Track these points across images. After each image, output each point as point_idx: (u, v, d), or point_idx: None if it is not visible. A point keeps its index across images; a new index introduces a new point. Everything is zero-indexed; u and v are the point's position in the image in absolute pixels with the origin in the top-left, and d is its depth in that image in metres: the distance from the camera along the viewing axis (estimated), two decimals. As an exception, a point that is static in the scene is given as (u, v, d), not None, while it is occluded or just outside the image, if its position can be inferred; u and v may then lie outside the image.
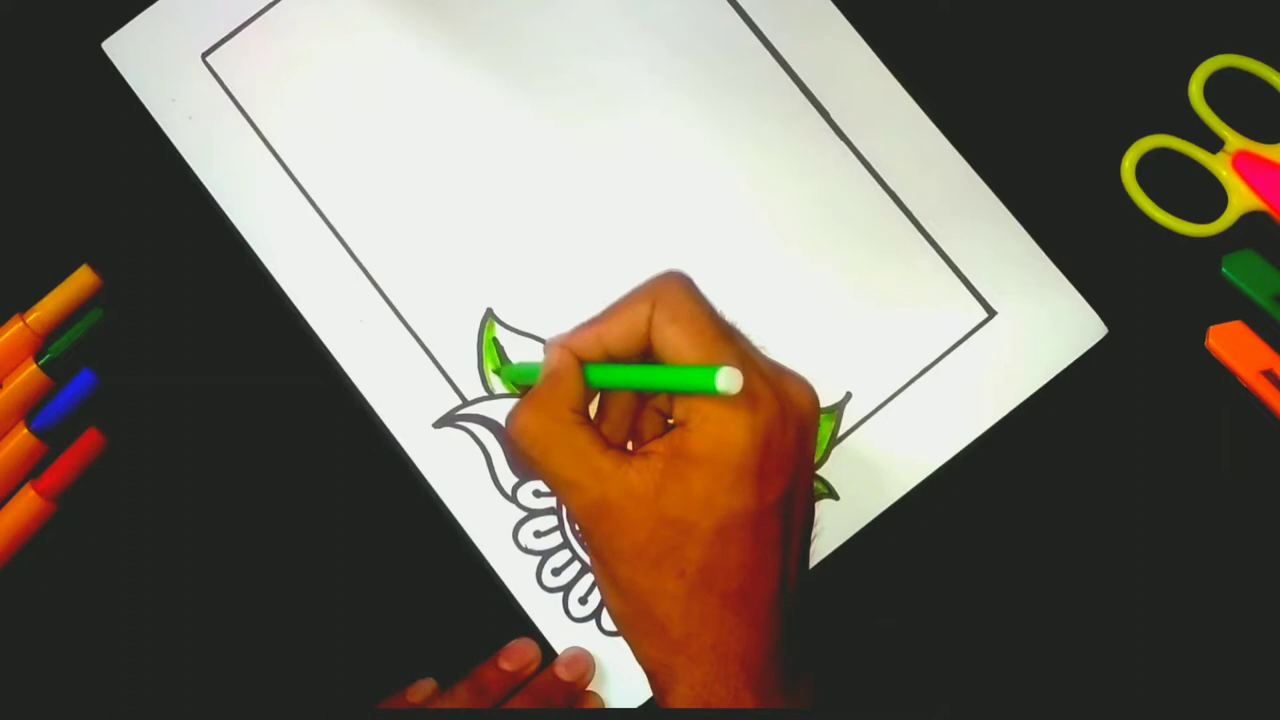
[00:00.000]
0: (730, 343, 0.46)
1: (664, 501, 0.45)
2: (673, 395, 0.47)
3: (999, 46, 0.56)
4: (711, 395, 0.43)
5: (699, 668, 0.46)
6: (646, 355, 0.48)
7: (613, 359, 0.48)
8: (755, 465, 0.45)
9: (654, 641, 0.47)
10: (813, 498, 0.50)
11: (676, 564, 0.46)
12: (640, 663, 0.48)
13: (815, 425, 0.49)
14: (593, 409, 0.50)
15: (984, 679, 0.53)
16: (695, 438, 0.45)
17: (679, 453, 0.45)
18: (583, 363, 0.48)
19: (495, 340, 0.55)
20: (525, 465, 0.53)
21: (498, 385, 0.55)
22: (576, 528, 0.54)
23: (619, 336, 0.48)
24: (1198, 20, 0.56)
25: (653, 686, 0.48)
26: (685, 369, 0.46)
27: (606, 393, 0.50)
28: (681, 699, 0.46)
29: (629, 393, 0.50)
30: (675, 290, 0.47)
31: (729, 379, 0.42)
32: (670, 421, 0.49)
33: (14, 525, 0.54)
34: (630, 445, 0.51)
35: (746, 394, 0.44)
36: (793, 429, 0.47)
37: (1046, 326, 0.54)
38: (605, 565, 0.47)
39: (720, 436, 0.45)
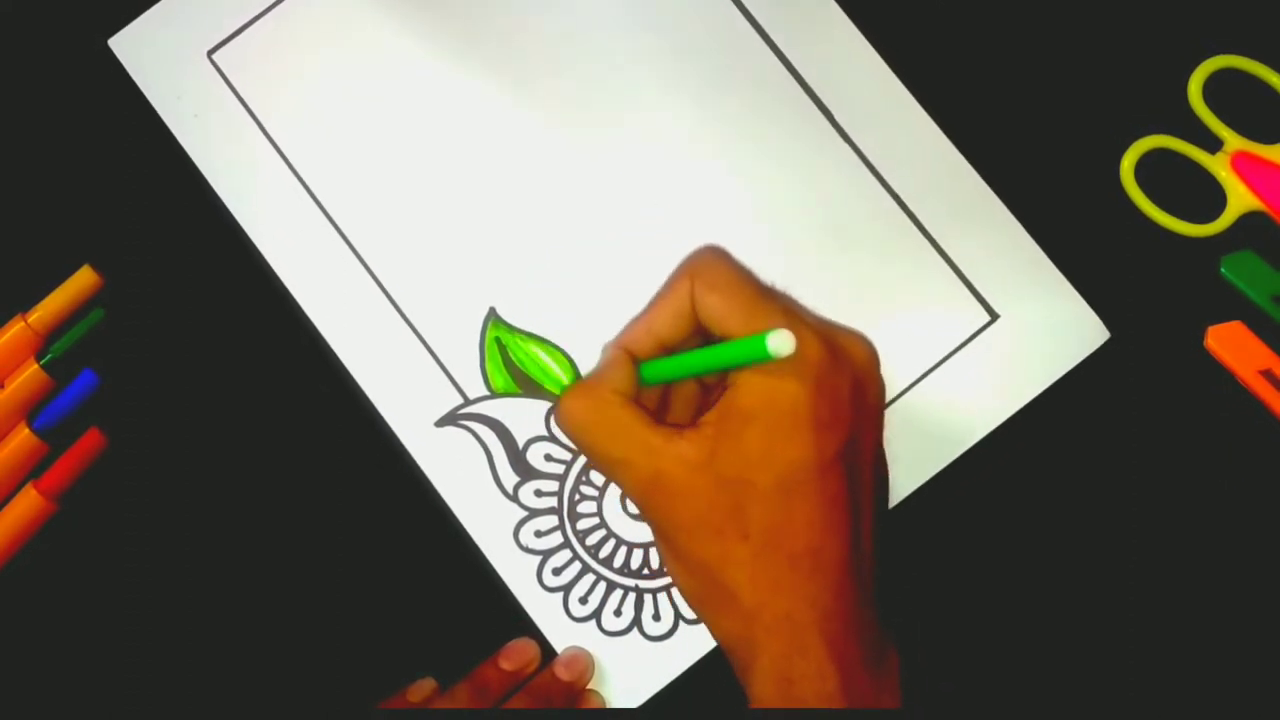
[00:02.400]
0: (772, 300, 0.46)
1: (720, 464, 0.44)
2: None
3: (998, 46, 0.56)
4: (767, 362, 0.43)
5: (776, 639, 0.45)
6: (702, 336, 0.48)
7: (668, 348, 0.48)
8: (810, 414, 0.44)
9: (728, 614, 0.46)
10: (883, 457, 0.49)
11: (740, 527, 0.44)
12: (720, 642, 0.47)
13: (874, 377, 0.48)
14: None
15: (986, 680, 0.53)
16: (744, 394, 0.45)
17: (730, 413, 0.45)
18: (636, 359, 0.48)
19: (498, 340, 0.55)
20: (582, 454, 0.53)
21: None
22: (633, 508, 0.53)
23: (667, 321, 0.48)
24: (1197, 20, 0.56)
25: (735, 667, 0.47)
26: (734, 343, 0.45)
27: (669, 385, 0.50)
28: (763, 675, 0.45)
29: (690, 380, 0.50)
30: (710, 261, 0.48)
31: (780, 341, 0.42)
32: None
33: (15, 525, 0.54)
34: None
35: (802, 343, 0.44)
36: (847, 376, 0.46)
37: (1049, 330, 0.54)
38: (668, 541, 0.47)
39: (770, 388, 0.44)
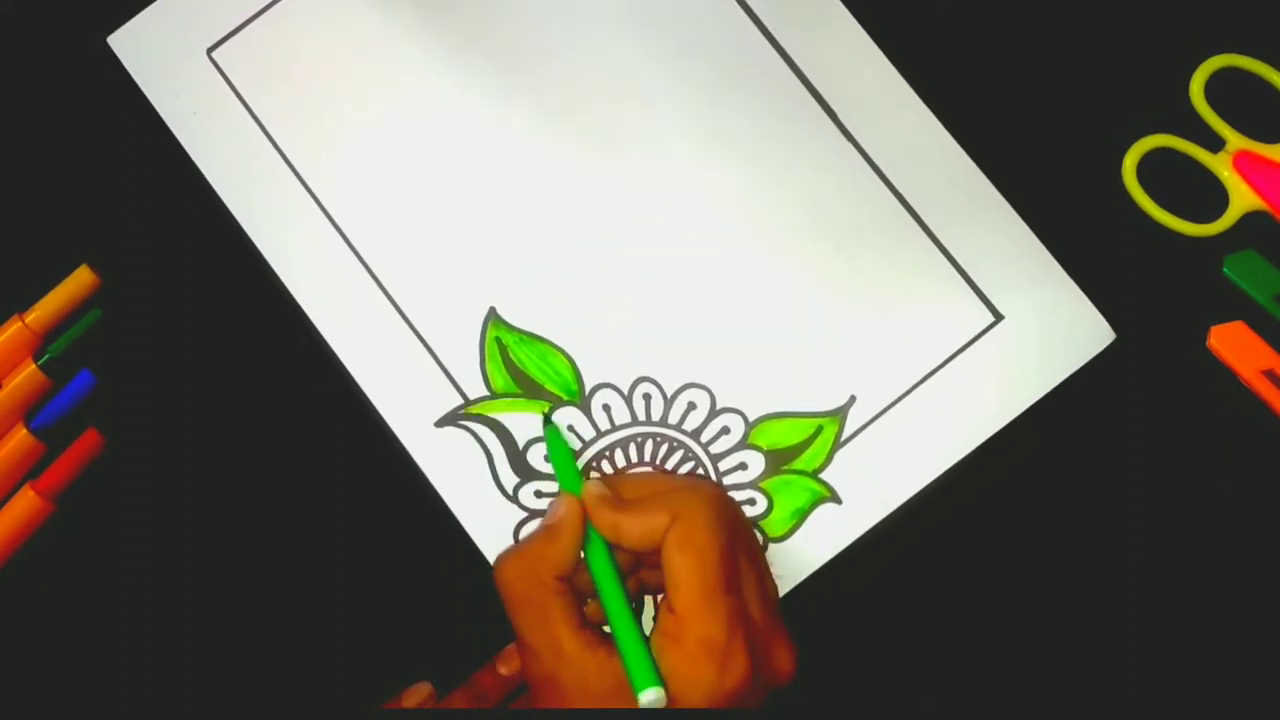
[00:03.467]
0: (727, 597, 0.46)
1: (618, 699, 0.45)
2: (663, 601, 0.47)
3: (1002, 45, 0.57)
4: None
5: None
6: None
7: (621, 549, 0.49)
8: (718, 705, 0.45)
9: None
10: None
11: None
12: None
13: (785, 685, 0.49)
14: None
15: (988, 681, 0.53)
16: (665, 670, 0.45)
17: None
18: (583, 531, 0.49)
19: (498, 339, 0.55)
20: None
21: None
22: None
23: (634, 537, 0.48)
24: (1198, 20, 0.56)
25: None
26: (634, 656, 0.46)
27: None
28: None
29: (628, 555, 0.50)
30: (697, 513, 0.47)
31: (649, 702, 0.44)
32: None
33: (13, 525, 0.54)
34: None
35: (720, 661, 0.45)
36: (762, 696, 0.47)
37: (1054, 332, 0.54)
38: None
39: (685, 686, 0.45)
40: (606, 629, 0.48)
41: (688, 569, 0.46)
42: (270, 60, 0.57)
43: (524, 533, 0.54)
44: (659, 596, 0.52)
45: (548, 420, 0.54)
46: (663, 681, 0.45)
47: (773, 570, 0.51)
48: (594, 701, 0.46)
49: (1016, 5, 0.57)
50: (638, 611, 0.52)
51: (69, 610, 0.54)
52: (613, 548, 0.49)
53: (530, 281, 0.55)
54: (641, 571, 0.51)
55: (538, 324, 0.55)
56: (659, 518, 0.47)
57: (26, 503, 0.54)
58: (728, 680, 0.45)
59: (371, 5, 0.57)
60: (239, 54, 0.57)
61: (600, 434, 0.54)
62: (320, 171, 0.56)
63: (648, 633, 0.47)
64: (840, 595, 0.53)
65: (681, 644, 0.46)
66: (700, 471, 0.54)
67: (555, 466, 0.53)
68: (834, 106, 0.56)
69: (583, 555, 0.49)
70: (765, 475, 0.54)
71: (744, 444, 0.54)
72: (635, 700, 0.45)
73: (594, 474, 0.54)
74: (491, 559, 0.54)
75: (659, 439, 0.54)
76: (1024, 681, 0.53)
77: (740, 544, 0.48)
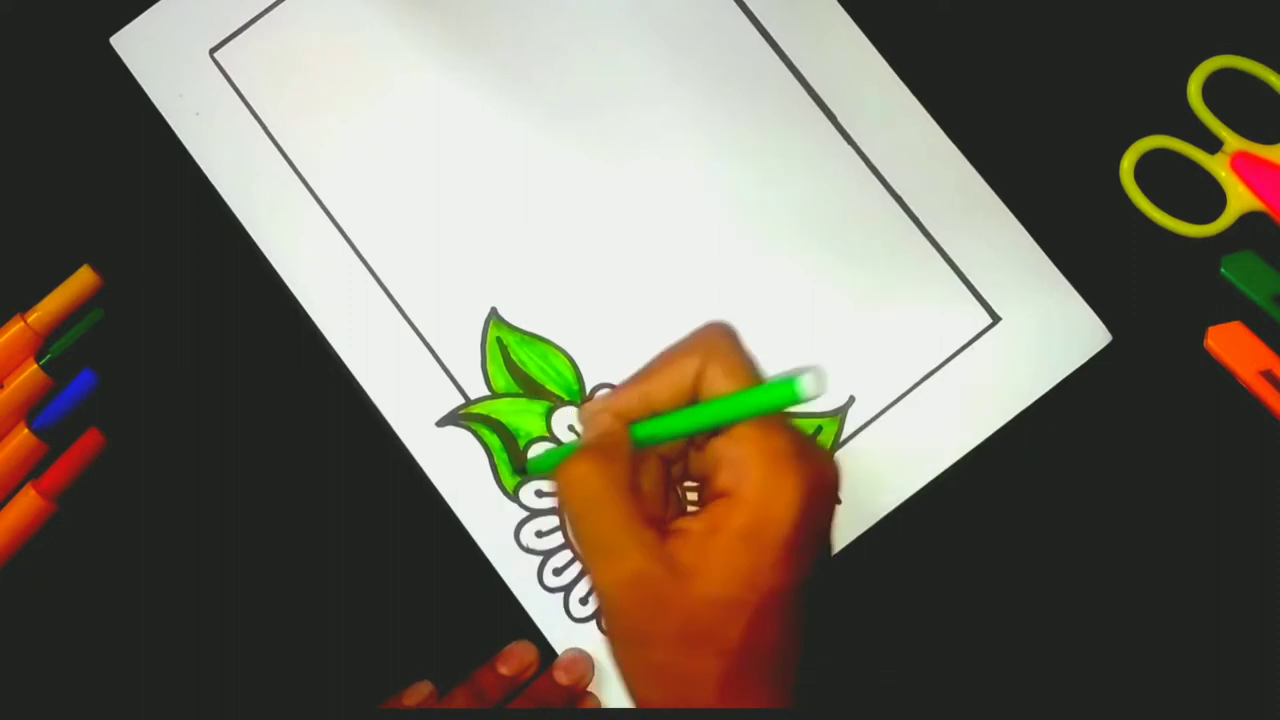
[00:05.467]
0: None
1: (708, 578, 0.43)
2: (713, 468, 0.45)
3: (999, 47, 0.57)
4: (774, 420, 0.42)
5: None
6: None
7: (655, 412, 0.46)
8: (798, 540, 0.43)
9: None
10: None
11: (717, 643, 0.43)
12: None
13: (836, 498, 0.47)
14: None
15: (988, 682, 0.53)
16: (741, 512, 0.43)
17: (721, 527, 0.43)
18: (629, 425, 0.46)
19: (499, 339, 0.55)
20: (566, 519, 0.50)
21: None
22: (599, 610, 0.51)
23: (665, 393, 0.46)
24: (1197, 20, 0.56)
25: None
26: (764, 387, 0.43)
27: (638, 466, 0.47)
28: None
29: (659, 467, 0.48)
30: (726, 345, 0.46)
31: (814, 382, 0.41)
32: (693, 502, 0.47)
33: (14, 525, 0.54)
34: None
35: (796, 467, 0.43)
36: (831, 499, 0.45)
37: (1051, 333, 0.55)
38: (638, 649, 0.45)
39: (767, 510, 0.43)
40: None
41: (742, 389, 0.44)
42: (273, 61, 0.57)
43: (525, 532, 0.54)
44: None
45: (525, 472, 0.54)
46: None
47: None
48: (689, 584, 0.43)
49: (1014, 8, 0.57)
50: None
51: (70, 610, 0.54)
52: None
53: (531, 282, 0.55)
54: (690, 454, 0.49)
55: (539, 324, 0.55)
56: (686, 361, 0.45)
57: (28, 502, 0.54)
58: (808, 484, 0.43)
59: (374, 7, 0.57)
60: (241, 55, 0.57)
61: (600, 434, 0.54)
62: (322, 172, 0.56)
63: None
64: (839, 595, 0.53)
65: (758, 462, 0.43)
66: (700, 471, 0.54)
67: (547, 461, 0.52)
68: (834, 109, 0.56)
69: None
70: (765, 475, 0.54)
71: (744, 444, 0.54)
72: (798, 394, 0.41)
73: None
74: (492, 558, 0.54)
75: (659, 439, 0.55)
76: (1023, 681, 0.53)
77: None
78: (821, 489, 0.44)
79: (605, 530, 0.44)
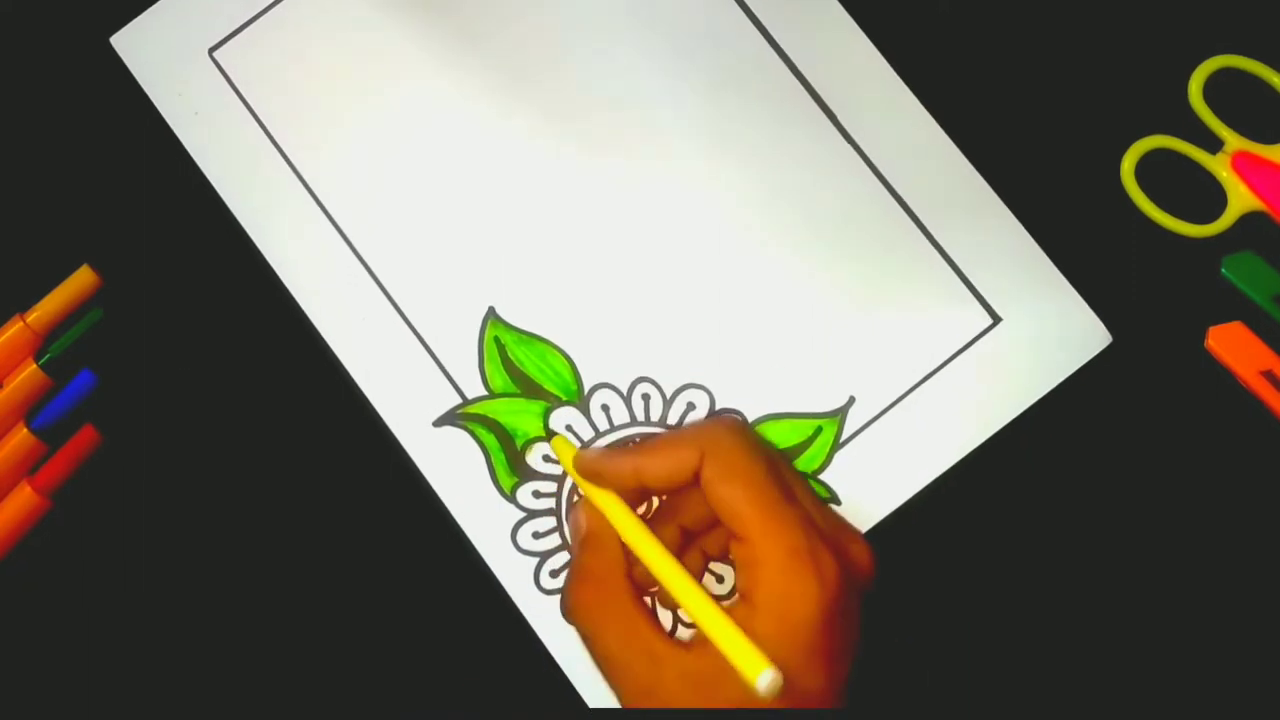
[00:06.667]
0: (791, 506, 0.44)
1: (725, 689, 0.42)
2: (729, 546, 0.45)
3: (999, 46, 0.57)
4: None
5: None
6: (683, 493, 0.46)
7: (647, 492, 0.46)
8: (826, 645, 0.42)
9: None
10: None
11: None
12: None
13: (870, 587, 0.46)
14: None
15: (987, 682, 0.53)
16: (759, 619, 0.42)
17: None
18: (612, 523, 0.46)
19: (497, 339, 0.55)
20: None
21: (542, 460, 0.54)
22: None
23: (659, 476, 0.45)
24: (1197, 20, 0.56)
25: None
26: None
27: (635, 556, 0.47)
28: None
29: (674, 533, 0.47)
30: (729, 442, 0.45)
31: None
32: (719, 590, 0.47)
33: (9, 521, 0.54)
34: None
35: (813, 564, 0.42)
36: (856, 597, 0.44)
37: (1051, 334, 0.54)
38: None
39: (787, 615, 0.42)
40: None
41: (742, 496, 0.44)
42: (272, 60, 0.57)
43: (521, 534, 0.54)
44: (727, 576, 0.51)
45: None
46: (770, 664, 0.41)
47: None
48: (707, 692, 0.42)
49: (1015, 7, 0.57)
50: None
51: (66, 609, 0.54)
52: (655, 530, 0.47)
53: (529, 281, 0.55)
54: (699, 540, 0.48)
55: (537, 323, 0.55)
56: (685, 453, 0.45)
57: (23, 498, 0.54)
58: (828, 580, 0.42)
59: (373, 6, 0.57)
60: (241, 54, 0.57)
61: (599, 434, 0.54)
62: (321, 171, 0.56)
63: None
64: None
65: (770, 563, 0.43)
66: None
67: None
68: (833, 108, 0.56)
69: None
70: (764, 476, 0.54)
71: (743, 445, 0.54)
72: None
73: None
74: (489, 560, 0.54)
75: (658, 439, 0.54)
76: (1023, 682, 0.53)
77: (780, 459, 0.47)
78: (845, 582, 0.43)
79: (610, 646, 0.44)
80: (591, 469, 0.49)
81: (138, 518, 0.55)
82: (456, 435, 0.54)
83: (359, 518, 0.55)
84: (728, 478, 0.44)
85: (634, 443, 0.53)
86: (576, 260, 0.56)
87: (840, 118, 0.56)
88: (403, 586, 0.54)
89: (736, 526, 0.44)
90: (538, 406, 0.55)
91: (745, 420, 0.51)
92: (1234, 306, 0.54)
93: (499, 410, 0.55)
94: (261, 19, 0.57)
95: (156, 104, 0.56)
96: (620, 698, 0.45)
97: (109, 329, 0.56)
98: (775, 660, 0.41)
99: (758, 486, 0.44)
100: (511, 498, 0.54)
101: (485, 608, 0.54)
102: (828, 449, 0.54)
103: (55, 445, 0.55)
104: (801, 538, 0.43)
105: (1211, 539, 0.53)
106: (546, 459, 0.54)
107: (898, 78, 0.56)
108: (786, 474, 0.47)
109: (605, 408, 0.55)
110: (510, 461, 0.54)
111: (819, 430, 0.54)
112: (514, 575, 0.54)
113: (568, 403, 0.55)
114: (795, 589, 0.42)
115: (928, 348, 0.55)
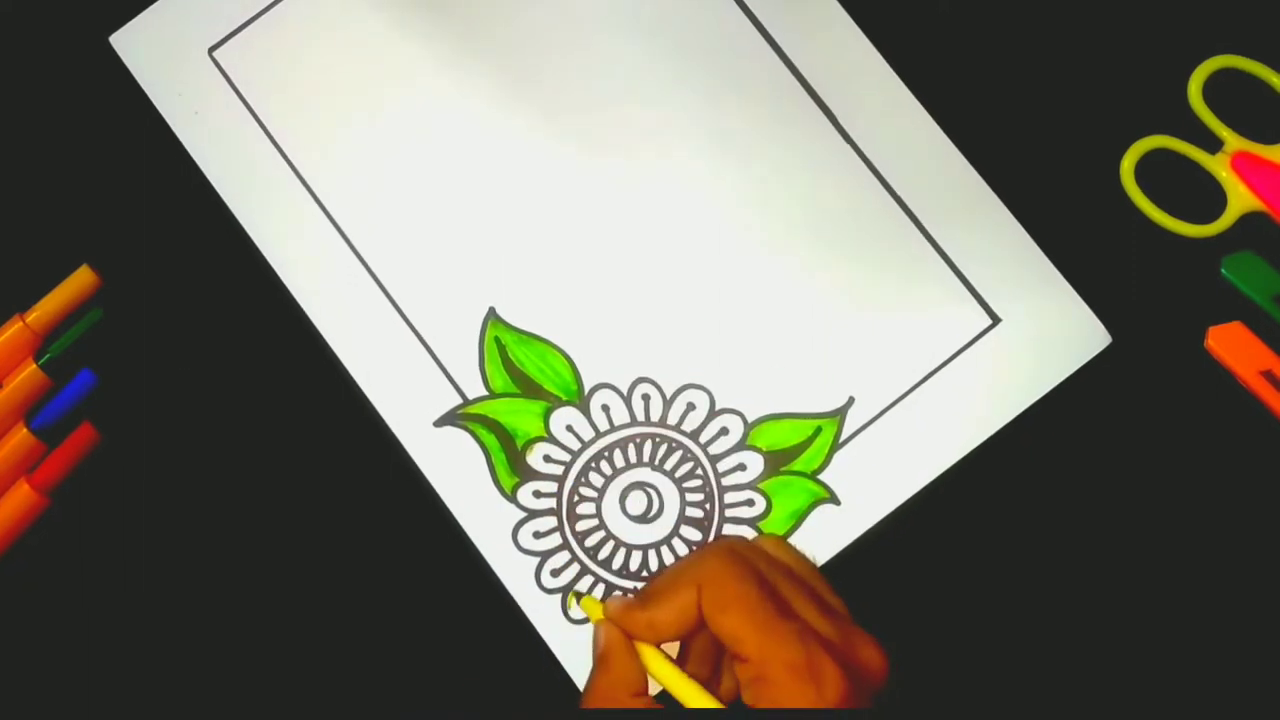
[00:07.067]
0: (787, 621, 0.46)
1: None
2: (735, 666, 0.47)
3: (999, 46, 0.57)
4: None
5: None
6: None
7: (664, 641, 0.48)
8: None
9: None
10: None
11: None
12: None
13: (884, 686, 0.47)
14: (673, 647, 0.50)
15: (986, 682, 0.53)
16: None
17: None
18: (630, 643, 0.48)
19: (497, 339, 0.55)
20: None
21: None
22: None
23: (670, 624, 0.47)
24: (1197, 20, 0.56)
25: None
26: None
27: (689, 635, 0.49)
28: None
29: (707, 635, 0.49)
30: (719, 572, 0.47)
31: None
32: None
33: (8, 519, 0.54)
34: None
35: (811, 677, 0.44)
36: (867, 701, 0.45)
37: (1051, 335, 0.54)
38: None
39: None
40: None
41: (737, 621, 0.46)
42: (272, 60, 0.57)
43: (522, 533, 0.54)
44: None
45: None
46: None
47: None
48: None
49: (1014, 8, 0.57)
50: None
51: (64, 607, 0.54)
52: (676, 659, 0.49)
53: (530, 281, 0.55)
54: (730, 664, 0.50)
55: (537, 324, 0.55)
56: (685, 594, 0.47)
57: (21, 496, 0.54)
58: (828, 693, 0.44)
59: (373, 6, 0.57)
60: (240, 54, 0.57)
61: (599, 434, 0.54)
62: (321, 171, 0.56)
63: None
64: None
65: (770, 680, 0.45)
66: (699, 471, 0.54)
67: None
68: (832, 109, 0.56)
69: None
70: (764, 476, 0.54)
71: (743, 445, 0.54)
72: None
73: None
74: (490, 560, 0.54)
75: (658, 439, 0.55)
76: (1023, 682, 0.53)
77: (778, 574, 0.48)
78: (849, 690, 0.45)
79: None
80: (611, 624, 0.50)
81: (137, 516, 0.55)
82: (457, 435, 0.54)
83: (360, 518, 0.55)
84: (723, 607, 0.46)
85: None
86: (577, 260, 0.56)
87: (840, 118, 0.56)
88: (404, 586, 0.54)
89: (736, 649, 0.46)
90: (538, 406, 0.55)
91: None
92: (1234, 306, 0.54)
93: (499, 410, 0.55)
94: (261, 19, 0.57)
95: (156, 104, 0.56)
96: None
97: (109, 329, 0.56)
98: None
99: (750, 609, 0.46)
100: (512, 498, 0.54)
101: (486, 607, 0.54)
102: (827, 449, 0.54)
103: (55, 445, 0.55)
104: (799, 652, 0.45)
105: (1211, 539, 0.53)
106: (547, 459, 0.54)
107: (897, 78, 0.56)
108: (784, 588, 0.48)
109: (605, 408, 0.55)
110: (511, 461, 0.54)
111: (819, 430, 0.54)
112: (515, 575, 0.54)
113: (568, 403, 0.55)
114: (798, 702, 0.44)
115: (927, 348, 0.55)
